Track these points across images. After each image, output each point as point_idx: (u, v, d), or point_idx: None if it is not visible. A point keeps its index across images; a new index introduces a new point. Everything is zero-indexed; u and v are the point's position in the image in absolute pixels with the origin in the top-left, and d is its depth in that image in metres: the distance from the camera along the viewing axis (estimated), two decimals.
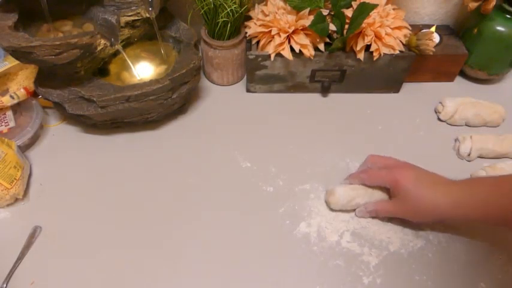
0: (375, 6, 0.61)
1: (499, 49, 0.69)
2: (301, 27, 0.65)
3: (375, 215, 0.56)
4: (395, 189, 0.52)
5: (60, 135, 0.67)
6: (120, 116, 0.63)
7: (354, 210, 0.57)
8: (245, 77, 0.76)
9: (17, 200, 0.58)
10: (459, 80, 0.78)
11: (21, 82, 0.66)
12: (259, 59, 0.68)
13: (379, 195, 0.56)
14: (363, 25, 0.63)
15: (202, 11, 0.66)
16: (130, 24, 0.65)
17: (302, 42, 0.65)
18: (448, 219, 0.52)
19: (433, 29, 0.72)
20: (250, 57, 0.68)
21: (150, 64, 0.68)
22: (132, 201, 0.59)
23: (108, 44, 0.62)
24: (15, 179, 0.56)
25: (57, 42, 0.53)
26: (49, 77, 0.61)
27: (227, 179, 0.62)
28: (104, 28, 0.65)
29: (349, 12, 0.64)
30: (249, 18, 0.69)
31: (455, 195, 0.49)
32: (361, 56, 0.67)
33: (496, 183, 0.48)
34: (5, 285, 0.50)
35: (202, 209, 0.58)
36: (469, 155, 0.64)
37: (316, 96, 0.75)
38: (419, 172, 0.52)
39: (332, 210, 0.57)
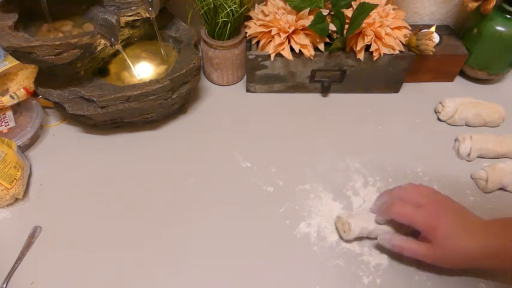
0: (374, 6, 0.61)
1: (499, 49, 0.69)
2: (301, 27, 0.65)
3: (399, 251, 0.50)
4: (430, 236, 0.47)
5: (60, 135, 0.67)
6: (120, 116, 0.63)
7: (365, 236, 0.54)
8: (245, 77, 0.76)
9: (17, 200, 0.58)
10: (459, 80, 0.78)
11: (21, 82, 0.66)
12: (259, 59, 0.68)
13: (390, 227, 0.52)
14: (363, 25, 0.63)
15: (202, 11, 0.66)
16: (130, 24, 0.65)
17: (302, 42, 0.65)
18: (480, 267, 0.47)
19: (433, 29, 0.72)
20: (250, 57, 0.68)
21: (150, 64, 0.68)
22: (132, 201, 0.59)
23: (108, 44, 0.62)
24: (15, 179, 0.56)
25: (57, 42, 0.53)
26: (49, 77, 0.61)
27: (227, 179, 0.62)
28: (104, 28, 0.65)
29: (349, 12, 0.64)
30: (249, 18, 0.69)
31: (488, 241, 0.45)
32: (361, 56, 0.67)
33: None
34: (5, 285, 0.50)
35: (202, 209, 0.58)
36: (468, 155, 0.64)
37: (316, 96, 0.75)
38: (455, 218, 0.48)
39: (343, 239, 0.54)
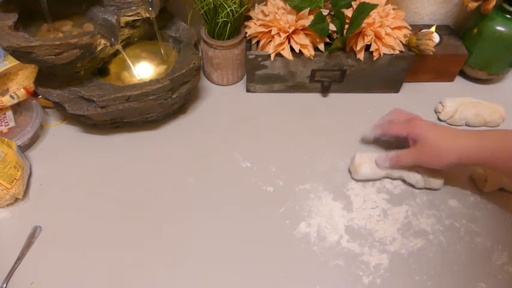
0: (374, 6, 0.61)
1: (499, 49, 0.69)
2: (301, 27, 0.65)
3: (395, 162, 0.59)
4: (414, 137, 0.57)
5: (60, 135, 0.67)
6: (120, 116, 0.63)
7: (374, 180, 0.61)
8: (245, 77, 0.76)
9: (17, 200, 0.58)
10: (459, 80, 0.78)
11: (21, 82, 0.66)
12: (259, 59, 0.68)
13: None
14: (363, 25, 0.63)
15: (202, 11, 0.66)
16: (130, 24, 0.65)
17: (302, 42, 0.65)
18: (461, 162, 0.53)
19: (433, 29, 0.72)
20: (250, 57, 0.68)
21: (150, 64, 0.68)
22: (132, 201, 0.59)
23: (108, 44, 0.62)
24: (15, 179, 0.56)
25: (57, 42, 0.53)
26: (49, 77, 0.61)
27: (227, 179, 0.62)
28: (104, 28, 0.65)
29: (349, 12, 0.64)
30: (249, 18, 0.69)
31: (468, 140, 0.53)
32: (361, 56, 0.67)
33: (506, 135, 0.52)
34: (5, 285, 0.50)
35: (202, 209, 0.58)
36: None
37: (316, 96, 0.75)
38: (434, 123, 0.57)
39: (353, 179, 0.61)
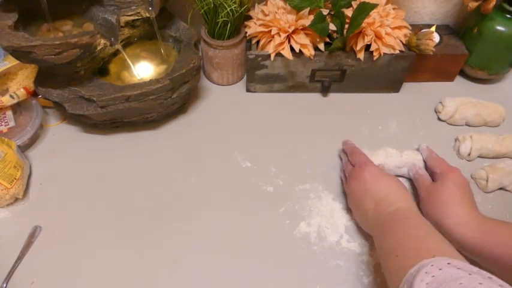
0: (374, 6, 0.61)
1: (499, 49, 0.69)
2: (301, 27, 0.65)
3: (418, 177, 0.58)
4: (442, 175, 0.54)
5: (60, 135, 0.67)
6: (120, 116, 0.63)
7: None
8: (245, 76, 0.76)
9: (17, 199, 0.58)
10: (459, 80, 0.78)
11: (21, 82, 0.66)
12: (259, 58, 0.68)
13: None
14: (363, 25, 0.63)
15: (202, 11, 0.66)
16: (130, 24, 0.65)
17: (302, 42, 0.65)
18: (449, 232, 0.48)
19: (433, 28, 0.72)
20: (250, 57, 0.68)
21: (150, 64, 0.68)
22: (132, 201, 0.59)
23: (108, 43, 0.62)
24: (15, 178, 0.56)
25: (57, 42, 0.53)
26: (49, 76, 0.61)
27: (227, 179, 0.62)
28: (104, 28, 0.65)
29: (349, 12, 0.64)
30: (249, 17, 0.69)
31: (474, 221, 0.48)
32: (361, 55, 0.67)
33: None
34: (5, 285, 0.49)
35: (202, 209, 0.58)
36: (469, 154, 0.64)
37: (316, 96, 0.75)
38: (468, 189, 0.53)
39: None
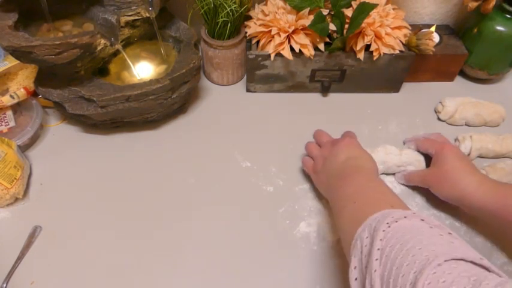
0: (374, 6, 0.61)
1: (499, 49, 0.69)
2: (301, 27, 0.65)
3: (407, 180, 0.59)
4: (437, 157, 0.55)
5: (60, 135, 0.67)
6: (120, 116, 0.63)
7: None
8: (245, 76, 0.76)
9: (17, 199, 0.58)
10: (459, 80, 0.78)
11: (21, 82, 0.66)
12: (259, 58, 0.68)
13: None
14: (363, 25, 0.63)
15: (202, 11, 0.66)
16: (130, 24, 0.65)
17: (302, 42, 0.65)
18: (469, 203, 0.51)
19: (433, 28, 0.72)
20: (250, 57, 0.68)
21: (150, 64, 0.68)
22: (132, 201, 0.59)
23: (108, 43, 0.62)
24: (15, 178, 0.56)
25: (57, 42, 0.53)
26: (49, 76, 0.61)
27: (227, 179, 0.62)
28: (104, 28, 0.65)
29: (349, 12, 0.64)
30: (249, 17, 0.69)
31: (487, 185, 0.50)
32: (361, 55, 0.67)
33: None
34: (5, 285, 0.49)
35: (202, 209, 0.58)
36: (469, 154, 0.64)
37: (316, 96, 0.75)
38: (467, 157, 0.56)
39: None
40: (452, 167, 0.53)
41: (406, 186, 0.61)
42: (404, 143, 0.65)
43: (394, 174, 0.62)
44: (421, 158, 0.61)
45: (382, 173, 0.62)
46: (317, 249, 0.54)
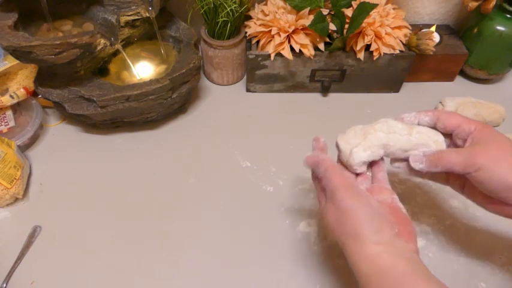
0: (375, 5, 0.61)
1: (499, 49, 0.69)
2: (301, 27, 0.65)
3: (435, 162, 0.41)
4: (480, 132, 0.41)
5: (60, 135, 0.67)
6: (120, 116, 0.63)
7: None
8: (245, 76, 0.76)
9: (16, 199, 0.58)
10: (459, 80, 0.78)
11: (21, 82, 0.66)
12: (259, 58, 0.68)
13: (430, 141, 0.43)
14: (363, 25, 0.63)
15: (202, 11, 0.66)
16: (130, 24, 0.65)
17: (302, 41, 0.65)
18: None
19: (433, 28, 0.72)
20: (250, 56, 0.68)
21: (150, 64, 0.68)
22: (132, 201, 0.59)
23: (108, 43, 0.62)
24: (15, 178, 0.56)
25: (57, 42, 0.53)
26: (49, 76, 0.61)
27: (227, 179, 0.62)
28: (104, 28, 0.65)
29: (349, 12, 0.64)
30: (249, 17, 0.69)
31: None
32: (361, 55, 0.67)
33: None
34: (5, 285, 0.49)
35: (202, 209, 0.58)
36: None
37: (316, 96, 0.75)
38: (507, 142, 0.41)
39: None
40: (507, 147, 0.39)
41: (405, 185, 0.61)
42: (403, 119, 0.47)
43: (396, 161, 0.45)
44: (440, 138, 0.43)
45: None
46: (317, 249, 0.54)
